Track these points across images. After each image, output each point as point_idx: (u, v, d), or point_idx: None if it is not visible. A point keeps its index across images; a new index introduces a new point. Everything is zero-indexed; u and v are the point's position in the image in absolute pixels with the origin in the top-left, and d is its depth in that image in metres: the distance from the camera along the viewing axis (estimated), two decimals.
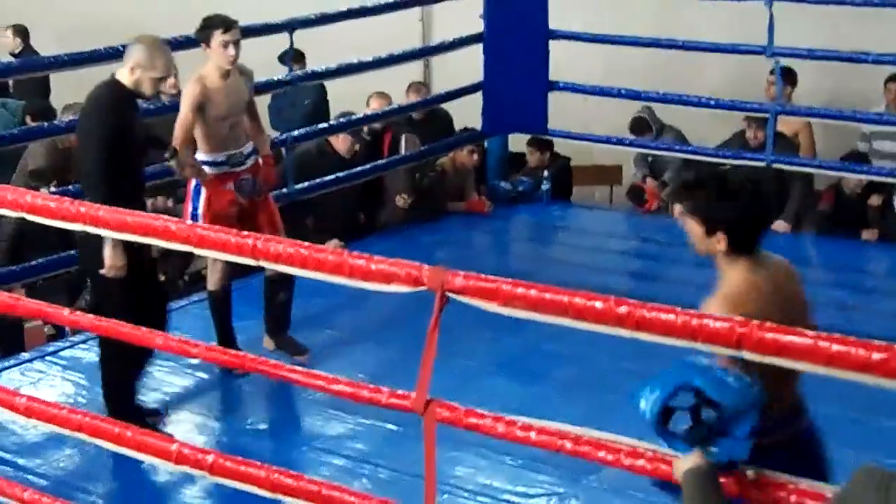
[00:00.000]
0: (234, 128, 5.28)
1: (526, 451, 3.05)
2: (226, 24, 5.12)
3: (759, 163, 7.58)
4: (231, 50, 5.11)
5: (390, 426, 4.72)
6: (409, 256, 3.00)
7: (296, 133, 7.32)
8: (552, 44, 8.07)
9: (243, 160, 5.34)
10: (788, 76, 7.89)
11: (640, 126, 8.31)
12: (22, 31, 10.24)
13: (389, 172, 7.87)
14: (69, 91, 8.73)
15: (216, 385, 5.30)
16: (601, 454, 2.67)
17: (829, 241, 7.60)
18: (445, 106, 8.58)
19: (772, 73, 7.59)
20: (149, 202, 5.74)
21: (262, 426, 4.97)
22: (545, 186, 8.43)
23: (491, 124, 8.23)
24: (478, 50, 8.06)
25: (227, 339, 5.40)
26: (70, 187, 5.86)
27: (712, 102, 8.01)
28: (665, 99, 8.14)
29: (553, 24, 8.03)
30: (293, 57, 8.75)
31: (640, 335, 2.57)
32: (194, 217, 5.22)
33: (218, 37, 5.10)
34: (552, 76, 8.14)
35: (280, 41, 7.13)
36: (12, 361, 5.59)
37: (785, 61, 7.57)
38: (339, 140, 7.48)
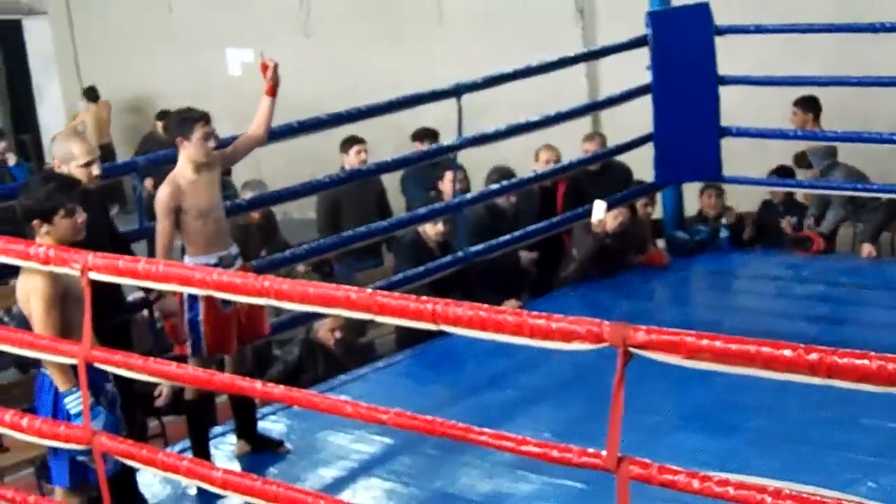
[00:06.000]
0: (218, 223, 5.06)
1: None
2: (205, 116, 5.01)
3: None
4: (211, 142, 4.99)
5: (578, 485, 4.66)
6: (588, 313, 2.97)
7: (468, 196, 7.40)
8: (723, 88, 7.97)
9: (233, 262, 5.09)
10: (811, 105, 7.99)
11: (800, 162, 8.30)
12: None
13: (575, 229, 7.85)
14: (246, 169, 9.04)
15: (403, 451, 5.32)
16: None
17: None
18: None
19: None
20: None
21: (451, 490, 4.96)
22: (724, 234, 8.29)
23: (664, 175, 8.14)
24: (646, 102, 8.01)
25: (203, 450, 5.18)
26: (253, 262, 6.03)
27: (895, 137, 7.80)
28: (845, 137, 7.94)
29: (722, 69, 7.93)
30: (426, 134, 8.91)
31: (834, 382, 2.47)
32: (194, 324, 4.96)
33: (199, 130, 4.93)
34: (724, 121, 8.02)
35: (447, 106, 7.19)
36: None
37: None
38: (429, 227, 7.12)
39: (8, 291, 5.91)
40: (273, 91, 5.24)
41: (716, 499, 2.76)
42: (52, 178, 4.29)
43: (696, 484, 2.74)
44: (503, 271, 7.59)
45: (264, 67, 5.23)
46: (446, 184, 7.70)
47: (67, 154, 4.69)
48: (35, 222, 4.09)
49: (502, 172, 7.85)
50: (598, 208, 7.52)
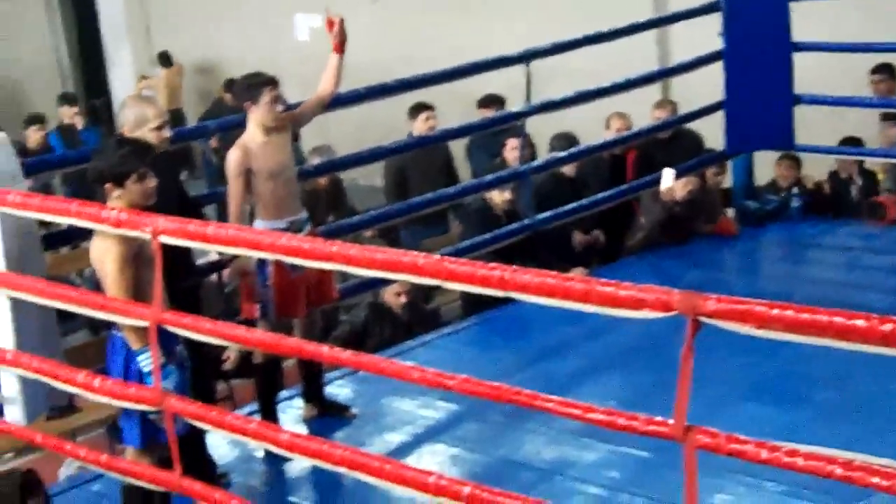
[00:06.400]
0: (289, 186, 5.11)
1: (787, 476, 2.95)
2: (273, 80, 5.00)
3: None
4: (279, 106, 5.00)
5: (644, 454, 4.65)
6: (655, 281, 2.95)
7: (535, 164, 7.36)
8: (797, 56, 7.83)
9: (302, 227, 5.13)
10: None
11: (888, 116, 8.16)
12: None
13: (643, 197, 7.79)
14: (313, 135, 9.07)
15: (469, 417, 5.34)
16: (874, 480, 2.53)
17: None
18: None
19: None
20: None
21: (516, 457, 4.97)
22: (795, 204, 8.17)
23: (734, 143, 8.03)
24: (718, 69, 7.90)
25: (270, 414, 5.26)
26: (321, 227, 6.06)
27: None
28: None
29: (796, 35, 7.79)
30: (493, 101, 8.83)
31: None
32: (264, 288, 5.02)
33: (267, 94, 4.96)
34: (798, 89, 7.89)
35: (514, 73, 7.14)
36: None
37: None
38: (496, 194, 7.11)
39: (80, 254, 6.00)
40: (340, 48, 5.23)
41: (784, 469, 2.73)
42: (126, 142, 4.34)
43: (764, 454, 2.72)
44: (570, 239, 7.56)
45: (330, 24, 5.23)
46: (509, 151, 7.65)
47: (140, 117, 4.70)
48: (107, 186, 4.13)
49: (565, 139, 7.80)
50: (667, 176, 7.44)
